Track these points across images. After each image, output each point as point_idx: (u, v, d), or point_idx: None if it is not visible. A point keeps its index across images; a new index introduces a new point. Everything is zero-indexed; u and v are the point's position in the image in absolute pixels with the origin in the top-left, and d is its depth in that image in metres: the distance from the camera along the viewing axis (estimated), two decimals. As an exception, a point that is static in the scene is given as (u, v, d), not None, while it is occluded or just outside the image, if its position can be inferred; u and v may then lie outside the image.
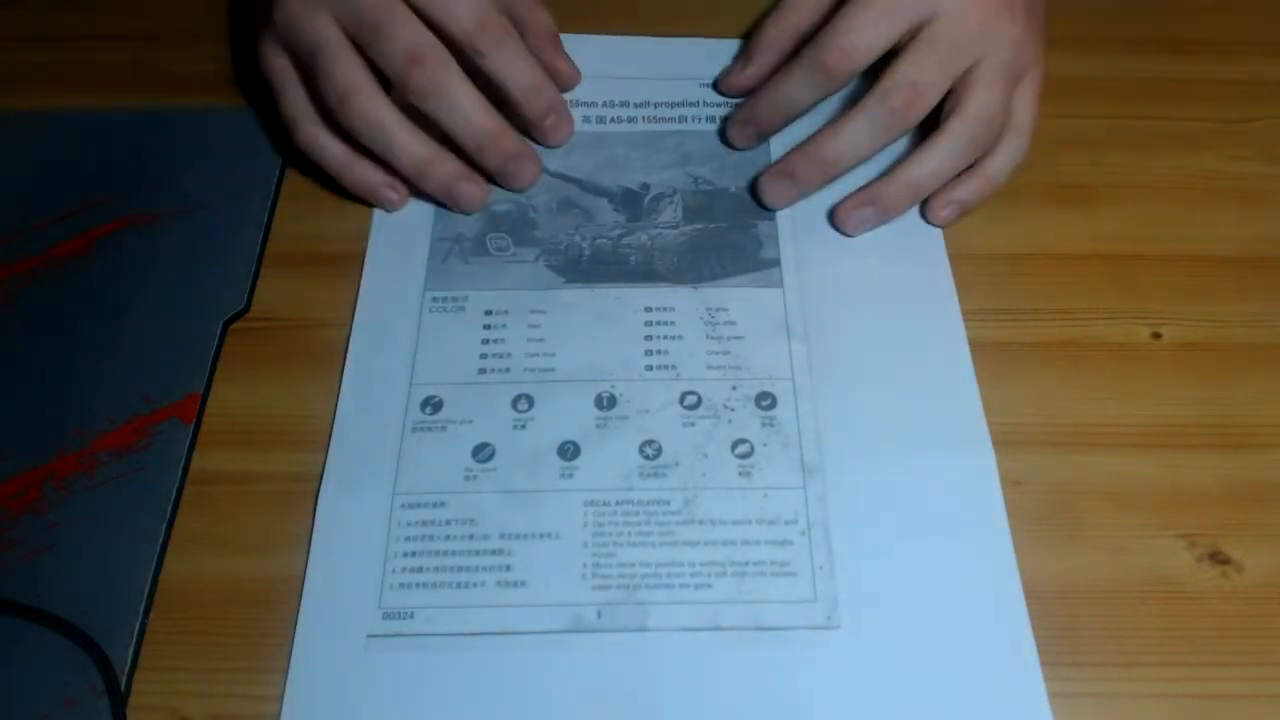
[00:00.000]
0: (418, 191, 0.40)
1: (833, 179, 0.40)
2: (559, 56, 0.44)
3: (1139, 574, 0.33)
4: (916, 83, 0.37)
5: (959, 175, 0.39)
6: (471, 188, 0.40)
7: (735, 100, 0.44)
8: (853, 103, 0.38)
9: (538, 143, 0.42)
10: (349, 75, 0.37)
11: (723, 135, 0.43)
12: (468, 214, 0.40)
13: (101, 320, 0.37)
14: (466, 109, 0.38)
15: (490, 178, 0.41)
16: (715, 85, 0.45)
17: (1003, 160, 0.39)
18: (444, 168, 0.39)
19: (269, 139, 0.43)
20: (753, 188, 0.41)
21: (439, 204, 0.40)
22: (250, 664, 0.31)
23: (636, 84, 0.45)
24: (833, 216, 0.40)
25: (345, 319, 0.38)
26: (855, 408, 0.36)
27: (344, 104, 0.37)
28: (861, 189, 0.40)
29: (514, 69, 0.39)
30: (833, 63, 0.37)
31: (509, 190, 0.41)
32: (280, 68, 0.39)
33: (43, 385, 0.36)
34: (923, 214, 0.40)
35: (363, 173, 0.39)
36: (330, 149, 0.39)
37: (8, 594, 0.31)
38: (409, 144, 0.38)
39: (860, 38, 0.37)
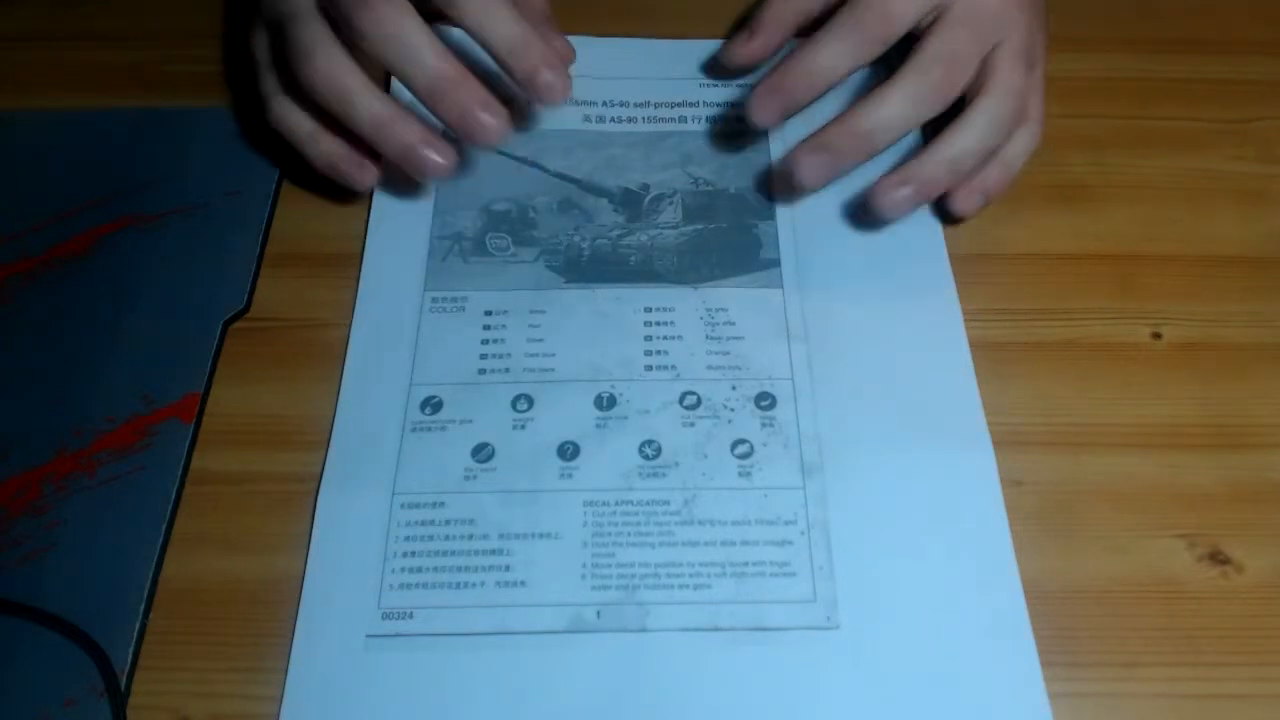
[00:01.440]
0: (396, 177, 0.39)
1: (869, 157, 0.37)
2: (552, 35, 0.41)
3: (1139, 574, 0.33)
4: (956, 53, 0.36)
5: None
6: (432, 153, 0.36)
7: (735, 101, 0.44)
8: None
9: (534, 105, 0.40)
10: (313, 35, 0.35)
11: (721, 131, 0.42)
12: (430, 180, 0.39)
13: (101, 320, 0.37)
14: (417, 47, 0.35)
15: (457, 143, 0.38)
16: (715, 65, 0.44)
17: (1019, 148, 0.39)
18: (405, 128, 0.36)
19: (269, 139, 0.42)
20: (781, 166, 0.39)
21: (409, 179, 0.39)
22: (250, 664, 0.31)
23: (636, 84, 0.45)
24: (868, 201, 0.38)
25: (345, 319, 0.38)
26: (855, 408, 0.36)
27: (305, 63, 0.35)
28: (896, 169, 0.37)
29: (495, 23, 0.35)
30: (873, 25, 0.36)
31: (474, 147, 0.39)
32: (261, 48, 0.39)
33: (43, 385, 0.36)
34: (946, 205, 0.39)
35: (329, 145, 0.38)
36: (299, 122, 0.38)
37: (8, 594, 0.31)
38: (369, 103, 0.36)
39: (895, 5, 0.36)
